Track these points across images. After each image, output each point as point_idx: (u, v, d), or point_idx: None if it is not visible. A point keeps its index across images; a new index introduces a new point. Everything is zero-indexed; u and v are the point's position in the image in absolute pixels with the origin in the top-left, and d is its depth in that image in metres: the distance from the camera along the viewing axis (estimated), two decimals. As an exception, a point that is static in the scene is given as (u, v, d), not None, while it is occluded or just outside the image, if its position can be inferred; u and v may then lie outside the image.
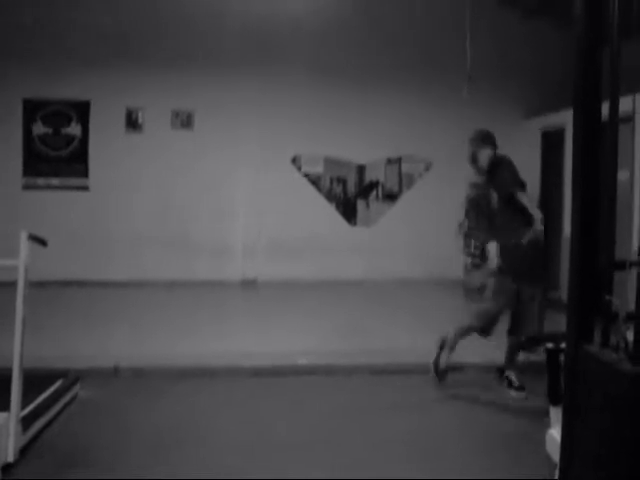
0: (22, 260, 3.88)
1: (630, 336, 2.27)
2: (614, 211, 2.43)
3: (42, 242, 4.09)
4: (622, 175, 2.55)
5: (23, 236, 3.90)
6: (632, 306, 2.28)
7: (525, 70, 10.54)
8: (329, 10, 10.08)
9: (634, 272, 2.40)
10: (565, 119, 8.91)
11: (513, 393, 5.37)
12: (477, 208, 5.61)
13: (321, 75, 10.25)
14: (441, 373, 5.49)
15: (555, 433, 3.29)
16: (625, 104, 2.45)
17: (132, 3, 9.89)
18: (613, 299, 2.40)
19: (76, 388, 5.05)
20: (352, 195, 10.87)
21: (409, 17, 10.36)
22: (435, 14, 10.37)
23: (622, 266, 2.49)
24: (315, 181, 10.59)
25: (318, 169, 10.62)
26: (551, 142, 9.98)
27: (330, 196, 10.76)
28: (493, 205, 5.39)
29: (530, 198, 5.35)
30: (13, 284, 3.87)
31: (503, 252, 5.30)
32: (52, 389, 4.68)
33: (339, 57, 10.29)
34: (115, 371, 5.65)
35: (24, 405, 3.99)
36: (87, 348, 6.13)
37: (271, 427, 4.62)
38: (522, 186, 5.30)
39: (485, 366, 6.01)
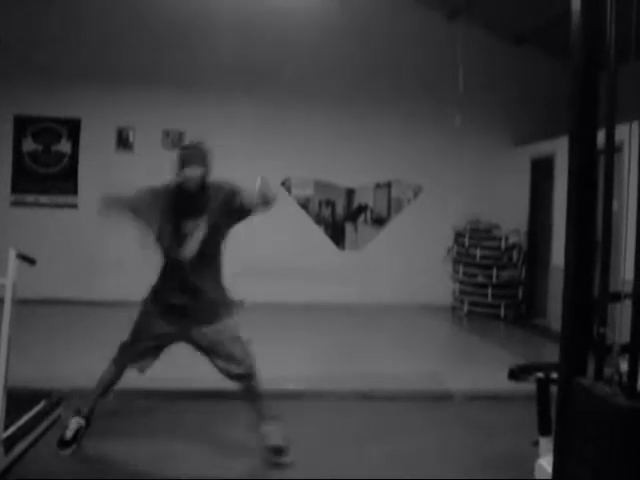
0: (10, 279, 3.83)
1: (624, 368, 2.26)
2: (609, 242, 2.43)
3: (31, 261, 4.04)
4: (614, 205, 2.55)
5: (12, 254, 3.85)
6: (626, 338, 2.27)
7: (515, 98, 10.62)
8: (321, 36, 10.13)
9: (628, 303, 2.38)
10: (555, 147, 8.98)
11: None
12: None
13: (312, 99, 10.30)
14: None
15: (545, 463, 3.26)
16: (619, 133, 2.46)
17: (125, 22, 9.92)
18: (607, 331, 2.38)
19: (59, 410, 4.96)
20: (341, 219, 10.88)
21: (400, 44, 10.44)
22: (427, 42, 10.46)
23: (617, 298, 2.48)
24: (304, 204, 10.60)
25: (307, 192, 10.64)
26: (540, 170, 10.05)
27: (319, 219, 10.77)
28: None
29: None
30: (-1, 302, 3.82)
31: None
32: (35, 410, 4.60)
33: (331, 82, 10.34)
34: (99, 392, 5.57)
35: (6, 426, 3.91)
36: (71, 368, 6.04)
37: (253, 453, 4.56)
38: None
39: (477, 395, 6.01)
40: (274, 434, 4.15)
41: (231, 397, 4.72)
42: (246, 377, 4.20)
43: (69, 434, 4.28)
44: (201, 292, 4.23)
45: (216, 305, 4.28)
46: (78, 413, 4.39)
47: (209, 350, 4.21)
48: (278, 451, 4.08)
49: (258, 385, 4.25)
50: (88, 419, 4.41)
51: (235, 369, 4.16)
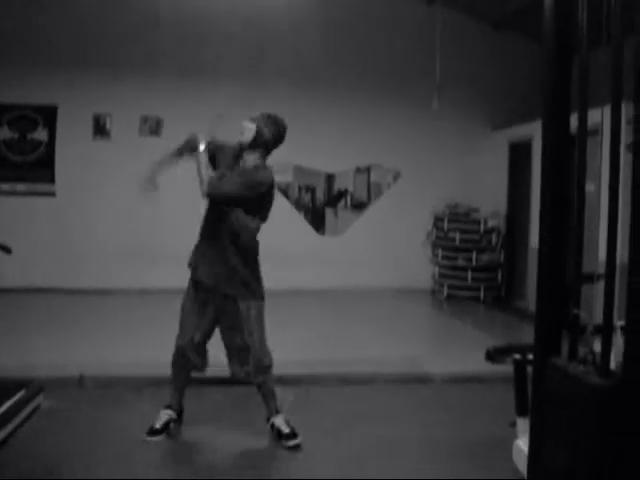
0: (-15, 268, 3.81)
1: (598, 348, 2.29)
2: (582, 224, 2.45)
3: (6, 249, 4.02)
4: (588, 187, 2.58)
5: (-13, 243, 3.83)
6: (600, 319, 2.30)
7: (493, 82, 10.65)
8: (300, 22, 10.07)
9: (601, 284, 2.42)
10: (532, 131, 9.02)
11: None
12: None
13: (291, 85, 10.24)
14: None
15: (522, 444, 3.30)
16: (592, 116, 2.48)
17: (101, 7, 9.78)
18: (581, 312, 2.42)
19: (39, 398, 4.91)
20: (321, 204, 10.88)
21: (379, 29, 10.41)
22: (405, 26, 10.45)
23: (590, 279, 2.51)
24: (284, 190, 10.56)
25: (287, 178, 10.60)
26: (518, 153, 10.10)
27: (298, 205, 10.76)
28: None
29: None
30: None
31: None
32: (13, 399, 4.55)
33: (310, 67, 10.29)
34: (80, 381, 5.56)
35: (-16, 416, 3.89)
36: (51, 357, 5.99)
37: (239, 439, 4.58)
38: None
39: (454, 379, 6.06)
40: (282, 424, 4.46)
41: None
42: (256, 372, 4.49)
43: (158, 424, 4.50)
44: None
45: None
46: (169, 407, 4.59)
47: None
48: (288, 437, 4.41)
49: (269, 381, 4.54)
50: (180, 413, 4.65)
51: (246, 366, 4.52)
